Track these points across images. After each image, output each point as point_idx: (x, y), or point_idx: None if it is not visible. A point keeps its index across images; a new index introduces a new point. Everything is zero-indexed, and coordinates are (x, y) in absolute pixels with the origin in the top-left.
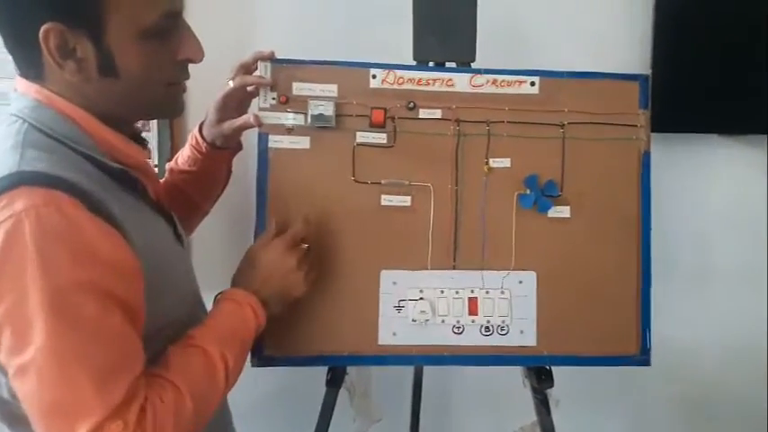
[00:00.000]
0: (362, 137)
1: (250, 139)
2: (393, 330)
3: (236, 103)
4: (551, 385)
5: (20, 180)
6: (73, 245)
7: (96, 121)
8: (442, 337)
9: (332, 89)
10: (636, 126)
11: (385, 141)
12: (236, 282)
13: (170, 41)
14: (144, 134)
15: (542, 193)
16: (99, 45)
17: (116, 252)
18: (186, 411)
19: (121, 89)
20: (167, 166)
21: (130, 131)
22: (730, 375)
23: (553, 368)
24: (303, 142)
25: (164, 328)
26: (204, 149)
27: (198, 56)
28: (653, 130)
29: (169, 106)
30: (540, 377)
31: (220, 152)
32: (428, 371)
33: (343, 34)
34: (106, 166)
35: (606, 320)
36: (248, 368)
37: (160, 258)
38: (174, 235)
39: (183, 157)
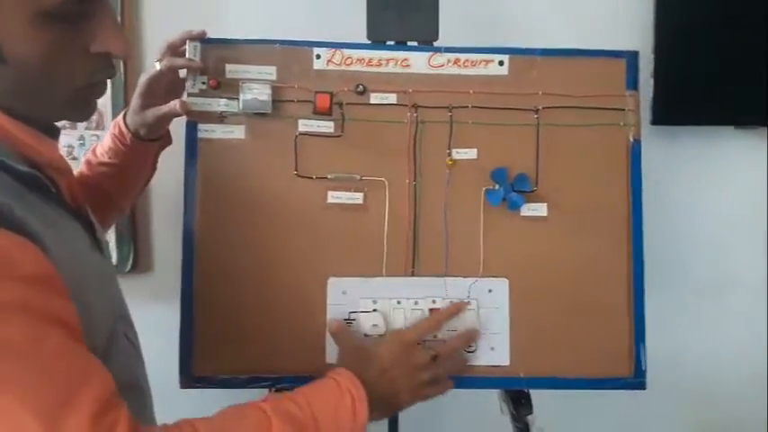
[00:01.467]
0: (305, 125)
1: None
2: None
3: (163, 88)
4: (530, 411)
5: None
6: None
7: None
8: None
9: (270, 71)
10: (623, 110)
11: (331, 130)
12: (345, 363)
13: (80, 30)
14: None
15: (512, 188)
16: None
17: (37, 265)
18: None
19: (10, 79)
20: (84, 157)
21: (41, 123)
22: (752, 400)
23: (535, 392)
24: (237, 131)
25: None
26: (128, 140)
27: (118, 49)
28: (655, 123)
29: (77, 110)
30: (518, 402)
31: (146, 144)
32: None
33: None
34: (14, 170)
35: (592, 336)
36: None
37: (77, 275)
38: (91, 241)
39: (104, 147)
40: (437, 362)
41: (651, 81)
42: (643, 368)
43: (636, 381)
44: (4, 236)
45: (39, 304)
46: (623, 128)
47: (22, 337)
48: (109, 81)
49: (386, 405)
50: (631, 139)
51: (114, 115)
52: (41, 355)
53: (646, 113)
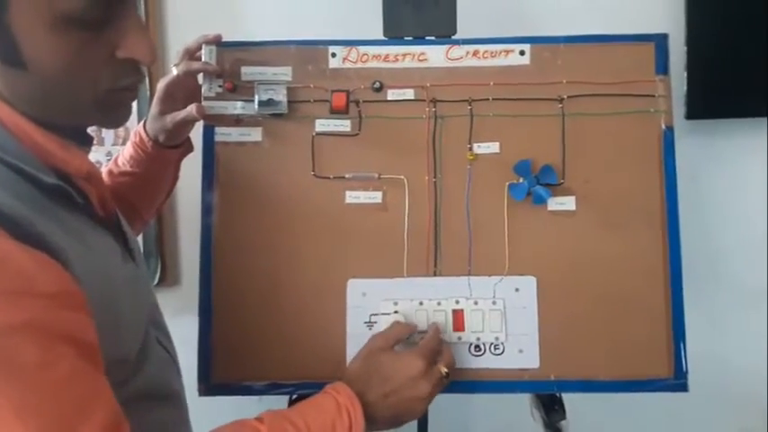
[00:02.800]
0: (322, 125)
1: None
2: None
3: (181, 93)
4: (563, 417)
5: None
6: (1, 280)
7: (24, 120)
8: None
9: (285, 72)
10: (654, 96)
11: (348, 129)
12: (351, 378)
13: (106, 34)
14: None
15: (537, 181)
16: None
17: (56, 282)
18: None
19: (32, 85)
20: (105, 168)
21: (70, 131)
22: None
23: (567, 396)
24: (254, 134)
25: (109, 371)
26: (149, 148)
27: (143, 55)
28: (690, 117)
29: (107, 114)
30: (550, 407)
31: (166, 151)
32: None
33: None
34: (39, 181)
35: (628, 335)
36: (198, 399)
37: (105, 288)
38: (123, 251)
39: (125, 157)
40: (441, 383)
41: (684, 74)
42: (684, 369)
43: (677, 382)
44: (22, 251)
45: (55, 323)
46: (654, 114)
47: (34, 360)
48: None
49: (387, 424)
50: (663, 127)
51: (140, 112)
52: (50, 380)
53: (680, 108)
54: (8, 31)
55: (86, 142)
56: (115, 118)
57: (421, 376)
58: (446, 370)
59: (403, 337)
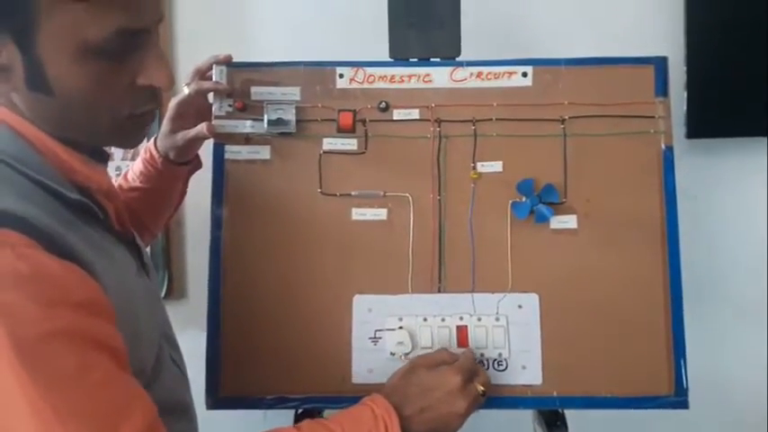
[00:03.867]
0: (329, 143)
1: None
2: (369, 366)
3: (193, 111)
4: None
5: None
6: (37, 290)
7: (48, 137)
8: None
9: (294, 92)
10: (654, 117)
11: (355, 147)
12: (388, 391)
13: (127, 63)
14: None
15: (539, 200)
16: (26, 53)
17: (87, 291)
18: None
19: (56, 109)
20: (115, 183)
21: (89, 147)
22: None
23: (570, 412)
24: (263, 152)
25: None
26: (158, 164)
27: (163, 83)
28: (690, 136)
29: (125, 137)
30: (553, 423)
31: (176, 168)
32: None
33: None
34: (65, 197)
35: (629, 352)
36: (205, 413)
37: (127, 301)
38: (138, 266)
39: (135, 172)
40: (478, 400)
41: (684, 93)
42: (685, 386)
43: (678, 399)
44: (56, 262)
45: (89, 330)
46: (654, 135)
47: (72, 365)
48: None
49: None
50: (663, 147)
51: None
52: (88, 384)
53: (680, 127)
54: (36, 60)
55: (103, 159)
56: (132, 140)
57: (458, 392)
58: (482, 388)
59: (447, 361)
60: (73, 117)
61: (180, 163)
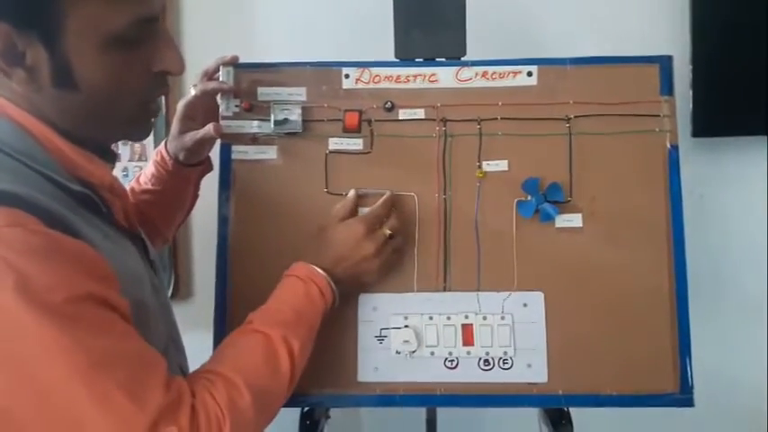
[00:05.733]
0: (335, 143)
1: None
2: (375, 365)
3: (200, 112)
4: (571, 431)
5: None
6: (53, 262)
7: (54, 134)
8: (433, 372)
9: (300, 92)
10: (659, 116)
11: (361, 147)
12: (304, 256)
13: (143, 51)
14: None
15: (545, 199)
16: (53, 52)
17: (97, 263)
18: (243, 405)
19: (82, 104)
20: (128, 186)
21: (97, 146)
22: None
23: (575, 410)
24: (270, 152)
25: None
26: (169, 166)
27: (176, 68)
28: (696, 135)
29: (137, 127)
30: (558, 421)
31: (186, 170)
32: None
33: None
34: (66, 188)
35: (634, 350)
36: None
37: (136, 286)
38: (144, 262)
39: (146, 175)
40: (390, 240)
41: (690, 92)
42: (690, 383)
43: (683, 397)
44: (70, 240)
45: (105, 295)
46: (659, 134)
47: (98, 321)
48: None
49: (349, 285)
50: (668, 146)
51: (156, 147)
52: (117, 333)
53: (686, 126)
54: (63, 57)
55: (112, 159)
56: (144, 131)
57: (364, 238)
58: (389, 232)
59: (346, 211)
60: (95, 110)
61: (190, 164)
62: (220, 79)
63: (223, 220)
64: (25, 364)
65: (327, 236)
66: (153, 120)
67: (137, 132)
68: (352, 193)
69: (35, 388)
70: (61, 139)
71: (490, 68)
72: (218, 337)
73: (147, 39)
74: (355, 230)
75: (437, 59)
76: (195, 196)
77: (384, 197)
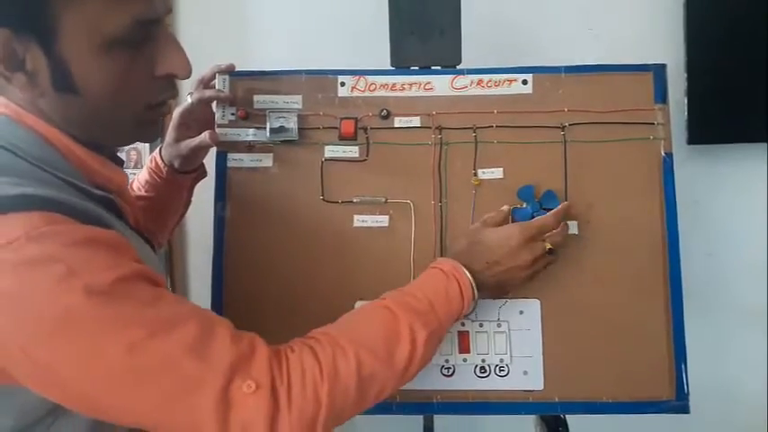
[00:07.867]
0: (331, 151)
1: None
2: None
3: (196, 120)
4: None
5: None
6: (96, 249)
7: (70, 140)
8: (429, 379)
9: (296, 100)
10: (653, 124)
11: (357, 155)
12: (452, 253)
13: (145, 54)
14: None
15: (540, 206)
16: (51, 55)
17: (131, 248)
18: (347, 374)
19: (83, 108)
20: None
21: (108, 151)
22: None
23: (572, 418)
24: (265, 160)
25: None
26: (164, 173)
27: (182, 71)
28: (691, 142)
29: (144, 130)
30: (555, 429)
31: (180, 177)
32: (441, 420)
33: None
34: (89, 193)
35: (630, 357)
36: None
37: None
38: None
39: (140, 182)
40: (549, 255)
41: (685, 100)
42: (686, 390)
43: (679, 404)
44: (105, 231)
45: (148, 274)
46: (654, 141)
47: (149, 294)
48: None
49: (492, 292)
50: (663, 153)
51: (151, 154)
52: (168, 301)
53: (682, 133)
54: (60, 59)
55: (119, 164)
56: (151, 133)
57: (520, 247)
58: (550, 246)
59: (502, 219)
60: (99, 115)
61: (185, 172)
62: (216, 87)
63: (219, 228)
64: (90, 348)
65: (483, 237)
66: (160, 122)
67: (144, 136)
68: (505, 208)
69: (102, 370)
70: (76, 144)
71: (485, 76)
72: None
73: (148, 41)
74: (515, 237)
75: (432, 68)
76: (188, 202)
77: (557, 208)
